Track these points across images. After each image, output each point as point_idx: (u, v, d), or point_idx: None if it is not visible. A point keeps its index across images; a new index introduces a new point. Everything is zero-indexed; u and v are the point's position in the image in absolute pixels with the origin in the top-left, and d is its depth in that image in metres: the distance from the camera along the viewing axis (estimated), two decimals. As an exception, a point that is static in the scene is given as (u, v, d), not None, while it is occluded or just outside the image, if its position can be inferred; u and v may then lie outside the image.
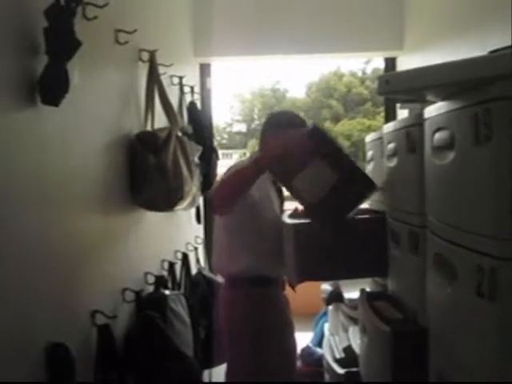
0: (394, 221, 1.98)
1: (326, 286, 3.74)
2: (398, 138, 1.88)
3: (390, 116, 4.04)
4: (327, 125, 32.37)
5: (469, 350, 1.28)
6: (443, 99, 1.39)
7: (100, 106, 1.98)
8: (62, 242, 1.60)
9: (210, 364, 3.06)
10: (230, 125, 38.41)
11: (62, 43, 1.48)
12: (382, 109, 4.40)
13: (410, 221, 1.77)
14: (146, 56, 2.48)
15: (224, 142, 36.13)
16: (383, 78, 1.38)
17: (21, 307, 1.34)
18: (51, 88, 1.45)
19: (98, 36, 1.93)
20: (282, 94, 37.69)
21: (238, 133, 38.04)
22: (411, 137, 1.71)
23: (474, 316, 1.24)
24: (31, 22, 1.44)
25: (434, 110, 1.45)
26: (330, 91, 34.79)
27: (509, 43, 1.42)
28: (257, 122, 37.95)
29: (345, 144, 32.50)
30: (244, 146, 35.49)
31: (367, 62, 32.37)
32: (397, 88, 1.41)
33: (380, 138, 2.23)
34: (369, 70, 34.04)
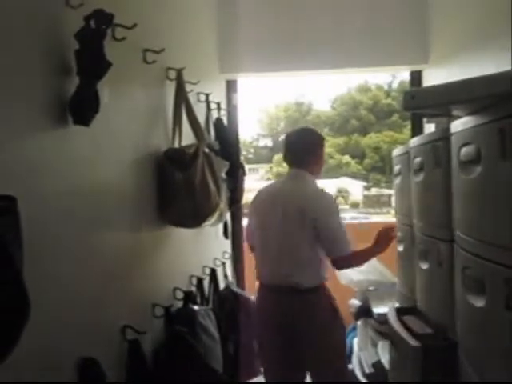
0: (421, 235, 1.98)
1: (355, 301, 3.72)
2: (424, 152, 1.88)
3: (416, 130, 4.02)
4: (355, 138, 32.31)
5: (498, 363, 1.28)
6: (469, 114, 1.39)
7: (129, 124, 2.02)
8: (93, 259, 1.63)
9: (238, 379, 3.07)
10: (256, 139, 38.54)
11: (93, 64, 1.51)
12: (408, 122, 4.38)
13: (438, 235, 1.76)
14: (173, 74, 2.51)
15: (250, 156, 36.21)
16: (409, 94, 1.39)
17: (53, 322, 1.37)
18: (82, 108, 1.49)
19: (127, 56, 1.96)
20: (307, 108, 37.71)
21: (264, 147, 38.13)
22: (438, 151, 1.71)
23: (503, 329, 1.23)
24: (63, 45, 1.48)
25: (460, 124, 1.45)
26: (356, 104, 34.73)
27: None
28: (282, 137, 37.97)
29: (374, 158, 32.43)
30: (270, 161, 35.54)
31: (394, 76, 32.36)
32: (422, 103, 1.41)
33: (407, 153, 2.23)
34: (395, 84, 34.00)
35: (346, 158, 33.34)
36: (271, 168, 36.00)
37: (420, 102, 1.39)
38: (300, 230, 2.72)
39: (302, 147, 2.91)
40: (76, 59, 1.49)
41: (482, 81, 1.23)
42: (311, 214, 2.68)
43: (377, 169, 32.45)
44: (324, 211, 2.71)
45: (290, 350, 2.79)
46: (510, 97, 1.15)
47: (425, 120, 3.43)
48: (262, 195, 3.02)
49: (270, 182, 3.24)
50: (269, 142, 38.49)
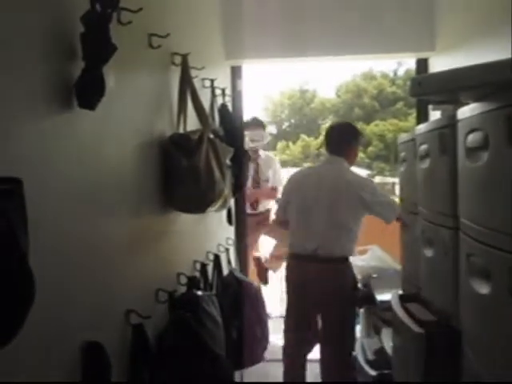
0: (427, 222, 1.97)
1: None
2: (430, 139, 1.88)
3: (422, 117, 4.01)
4: (360, 125, 32.29)
5: (501, 350, 1.28)
6: (476, 100, 1.38)
7: (134, 108, 2.01)
8: (98, 243, 1.63)
9: (242, 365, 3.09)
10: (261, 126, 38.37)
11: (98, 48, 1.51)
12: (413, 110, 4.38)
13: (443, 222, 1.76)
14: (178, 59, 2.50)
15: (254, 143, 36.12)
16: (416, 80, 1.38)
17: (58, 306, 1.37)
18: (87, 92, 1.48)
19: (132, 40, 1.96)
20: (311, 95, 37.64)
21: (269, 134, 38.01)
22: (444, 138, 1.71)
23: (507, 316, 1.23)
24: (68, 28, 1.47)
25: (468, 111, 1.44)
26: (361, 92, 34.65)
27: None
28: (286, 124, 37.97)
29: (378, 146, 32.38)
30: (273, 148, 35.53)
31: (399, 64, 32.22)
32: (429, 89, 1.40)
33: (412, 140, 2.22)
34: (401, 72, 33.87)
35: (351, 146, 33.29)
36: (275, 155, 36.05)
37: (427, 88, 1.38)
38: (346, 206, 3.24)
39: (343, 138, 3.46)
40: (81, 43, 1.48)
41: (490, 66, 1.22)
42: (358, 191, 3.22)
43: (381, 157, 32.40)
44: (369, 189, 3.27)
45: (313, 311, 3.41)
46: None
47: (431, 107, 3.41)
48: (299, 177, 3.60)
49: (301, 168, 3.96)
50: (273, 129, 38.43)
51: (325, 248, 3.25)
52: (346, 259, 3.27)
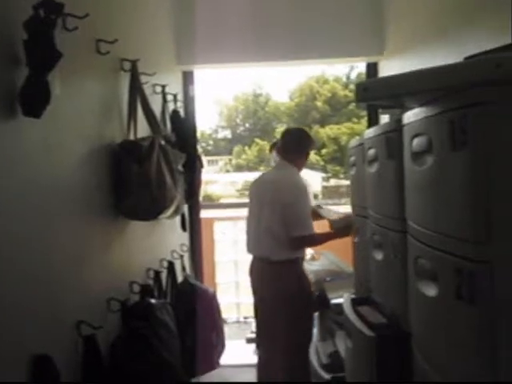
0: (376, 226, 2.00)
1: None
2: (378, 143, 1.90)
3: (373, 120, 4.08)
4: (315, 128, 32.52)
5: (450, 353, 1.30)
6: (421, 105, 1.40)
7: (82, 116, 1.98)
8: (45, 253, 1.60)
9: (197, 372, 3.07)
10: (215, 131, 38.49)
11: (42, 55, 1.48)
12: (365, 112, 4.45)
13: (391, 226, 1.78)
14: (127, 65, 2.48)
15: (209, 148, 36.17)
16: (361, 86, 1.39)
17: (4, 319, 1.34)
18: (32, 100, 1.46)
19: (79, 46, 1.93)
20: (265, 99, 37.82)
21: (223, 139, 38.11)
22: (390, 142, 1.73)
23: (454, 319, 1.25)
24: (11, 34, 1.44)
25: (412, 115, 1.46)
26: (314, 95, 34.97)
27: (484, 49, 1.44)
28: (241, 128, 38.06)
29: (332, 148, 32.71)
30: (229, 153, 35.53)
31: (352, 68, 32.67)
32: (375, 95, 1.42)
33: (361, 144, 2.25)
34: (353, 75, 34.34)
35: (305, 149, 33.54)
36: (230, 160, 36.10)
37: (373, 94, 1.40)
38: (272, 209, 3.30)
39: (291, 144, 3.51)
40: (25, 49, 1.46)
41: (432, 72, 1.24)
42: (281, 199, 3.27)
43: (335, 160, 32.75)
44: (291, 198, 3.27)
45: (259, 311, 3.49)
46: (460, 89, 1.16)
47: (379, 111, 3.47)
48: (254, 182, 3.70)
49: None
50: (228, 134, 38.49)
51: (260, 251, 3.42)
52: (285, 262, 3.28)
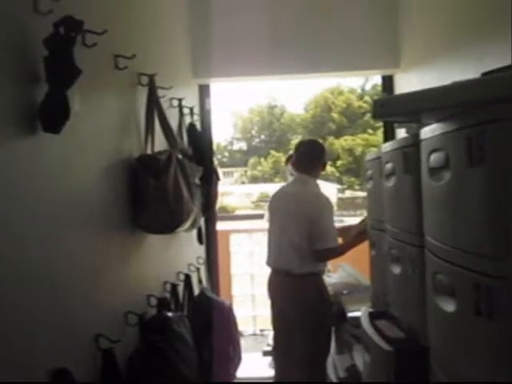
0: (393, 240, 2.00)
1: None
2: (395, 157, 1.90)
3: (389, 133, 4.08)
4: (330, 140, 32.51)
5: (469, 368, 1.29)
6: (438, 121, 1.41)
7: (100, 131, 2.00)
8: (64, 267, 1.61)
9: (214, 385, 3.07)
10: (231, 143, 38.61)
11: (62, 71, 1.50)
12: (381, 123, 4.45)
13: (409, 240, 1.78)
14: (145, 80, 2.51)
15: (225, 160, 36.27)
16: (378, 102, 1.40)
17: (24, 332, 1.36)
18: (52, 116, 1.47)
19: (98, 62, 1.95)
20: (280, 111, 37.91)
21: (239, 151, 38.20)
22: (408, 157, 1.73)
23: (473, 334, 1.25)
24: (31, 51, 1.47)
25: (430, 131, 1.47)
26: (329, 107, 34.99)
27: (501, 64, 1.44)
28: (256, 140, 38.15)
29: (347, 160, 32.67)
30: (244, 164, 35.59)
31: (366, 79, 32.70)
32: (392, 111, 1.42)
33: (378, 158, 2.25)
34: (368, 86, 34.34)
35: (321, 161, 33.50)
36: (246, 172, 36.14)
37: (389, 110, 1.40)
38: (296, 223, 3.35)
39: (306, 156, 3.55)
40: (45, 66, 1.47)
41: (449, 90, 1.25)
42: (305, 212, 3.31)
43: (351, 171, 32.69)
44: (315, 210, 3.33)
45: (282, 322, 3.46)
46: (477, 105, 1.17)
47: (395, 125, 3.47)
48: (274, 195, 3.75)
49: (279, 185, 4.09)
50: (243, 146, 38.58)
51: (282, 264, 3.42)
52: (306, 275, 3.32)
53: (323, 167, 3.62)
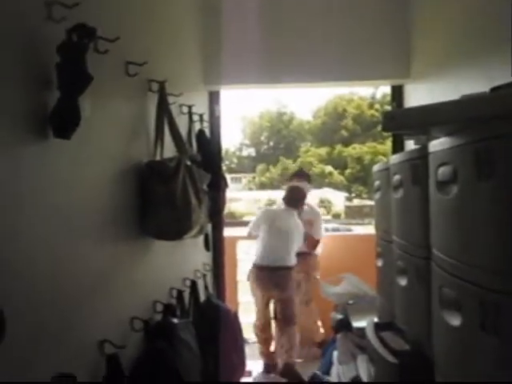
0: (400, 251, 1.99)
1: (336, 314, 3.74)
2: (403, 169, 1.90)
3: (398, 144, 4.07)
4: (338, 148, 32.51)
5: (473, 382, 1.29)
6: (447, 135, 1.41)
7: (110, 136, 2.01)
8: (71, 272, 1.62)
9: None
10: (240, 149, 38.64)
11: (74, 79, 1.51)
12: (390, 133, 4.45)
13: (416, 253, 1.78)
14: (155, 86, 2.52)
15: (233, 165, 36.29)
16: (388, 115, 1.40)
17: (29, 336, 1.36)
18: (63, 122, 1.48)
19: (109, 69, 1.97)
20: (289, 118, 37.92)
21: (247, 157, 38.22)
22: (416, 169, 1.73)
23: (478, 349, 1.24)
24: (44, 58, 1.48)
25: (438, 144, 1.47)
26: (339, 114, 34.97)
27: (510, 76, 1.44)
28: (265, 146, 38.17)
29: (356, 168, 32.63)
30: (253, 170, 35.61)
31: (377, 87, 32.70)
32: (401, 124, 1.43)
33: (387, 169, 2.25)
34: (378, 95, 34.33)
35: (329, 168, 33.51)
36: (254, 178, 36.14)
37: (399, 123, 1.41)
38: (297, 225, 4.88)
39: (294, 199, 5.03)
40: (57, 73, 1.49)
41: (458, 104, 1.25)
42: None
43: (359, 179, 32.64)
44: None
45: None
46: (485, 120, 1.17)
47: (405, 137, 3.47)
48: (267, 213, 5.19)
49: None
50: (252, 152, 38.61)
51: (283, 260, 4.72)
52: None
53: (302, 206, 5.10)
